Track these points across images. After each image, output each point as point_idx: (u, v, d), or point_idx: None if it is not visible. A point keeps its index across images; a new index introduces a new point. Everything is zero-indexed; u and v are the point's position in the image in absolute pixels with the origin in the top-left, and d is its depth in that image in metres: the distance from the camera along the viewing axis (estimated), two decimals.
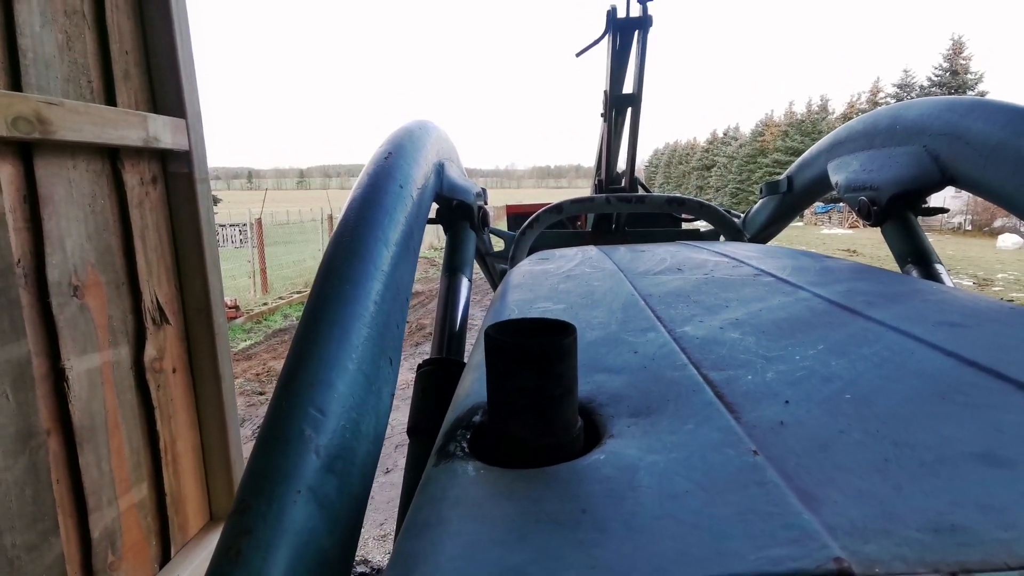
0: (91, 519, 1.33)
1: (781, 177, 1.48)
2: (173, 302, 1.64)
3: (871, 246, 16.81)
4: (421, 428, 0.62)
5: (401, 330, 0.52)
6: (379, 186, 0.59)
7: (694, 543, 0.22)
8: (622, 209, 1.52)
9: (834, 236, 22.01)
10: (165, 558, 1.60)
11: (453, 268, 0.90)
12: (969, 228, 23.27)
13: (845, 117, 42.98)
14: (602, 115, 1.68)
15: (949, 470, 0.26)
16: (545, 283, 0.72)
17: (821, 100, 45.16)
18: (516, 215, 2.56)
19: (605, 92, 1.61)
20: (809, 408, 0.33)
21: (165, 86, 1.57)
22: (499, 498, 0.27)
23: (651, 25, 1.46)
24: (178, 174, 1.62)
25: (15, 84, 1.18)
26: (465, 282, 0.89)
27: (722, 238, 1.62)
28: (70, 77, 1.30)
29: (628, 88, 1.58)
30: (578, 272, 0.78)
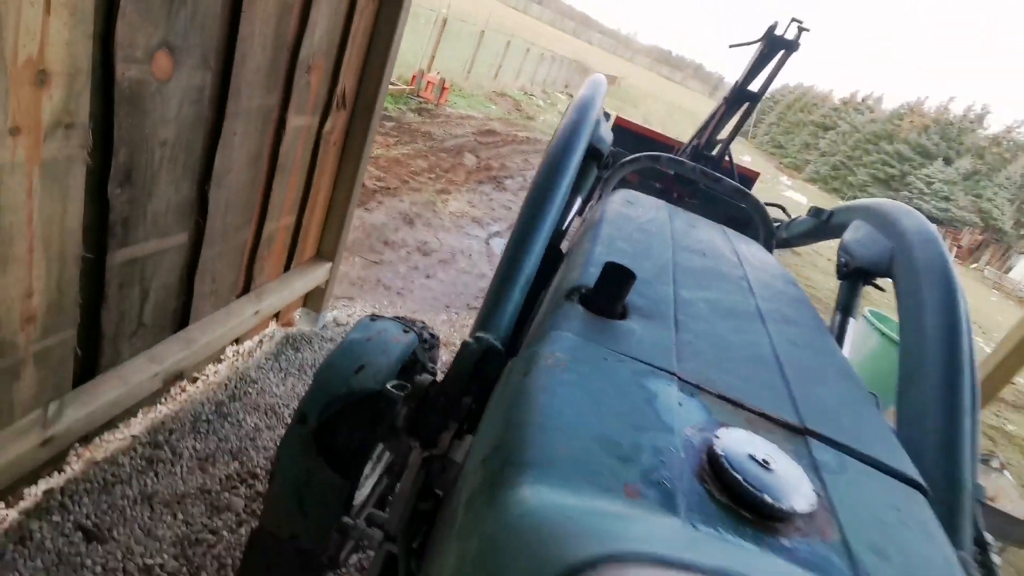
0: (266, 224, 1.94)
1: (828, 209, 1.86)
2: (352, 93, 2.12)
3: None
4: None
5: (553, 228, 1.02)
6: (568, 149, 1.05)
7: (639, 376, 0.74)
8: (703, 182, 1.93)
9: None
10: (286, 268, 2.25)
11: (574, 189, 1.37)
12: None
13: (995, 140, 38.61)
14: (724, 98, 1.99)
15: (735, 364, 0.77)
16: (624, 228, 1.20)
17: (981, 110, 40.35)
18: (621, 128, 2.88)
19: (736, 82, 1.92)
20: (700, 337, 0.84)
21: None
22: (588, 332, 0.78)
23: (797, 50, 1.74)
24: None
25: None
26: (579, 200, 1.36)
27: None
28: None
29: (755, 87, 1.88)
30: (647, 228, 1.25)
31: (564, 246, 1.32)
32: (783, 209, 2.31)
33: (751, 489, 0.53)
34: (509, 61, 14.16)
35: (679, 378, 0.71)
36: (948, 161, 35.55)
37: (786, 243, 2.04)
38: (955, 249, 26.60)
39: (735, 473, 0.54)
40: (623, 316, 0.83)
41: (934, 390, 0.89)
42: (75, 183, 1.17)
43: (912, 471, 0.71)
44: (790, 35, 1.74)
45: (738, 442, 0.59)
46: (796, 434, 0.69)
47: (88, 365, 1.46)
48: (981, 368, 2.29)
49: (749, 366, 0.81)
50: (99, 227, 1.29)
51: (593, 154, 1.37)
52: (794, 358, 0.89)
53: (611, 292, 0.81)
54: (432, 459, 0.76)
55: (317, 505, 1.10)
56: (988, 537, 0.80)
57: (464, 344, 0.78)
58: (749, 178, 2.84)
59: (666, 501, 0.51)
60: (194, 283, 1.68)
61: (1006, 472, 3.74)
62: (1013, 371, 2.16)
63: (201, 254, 1.65)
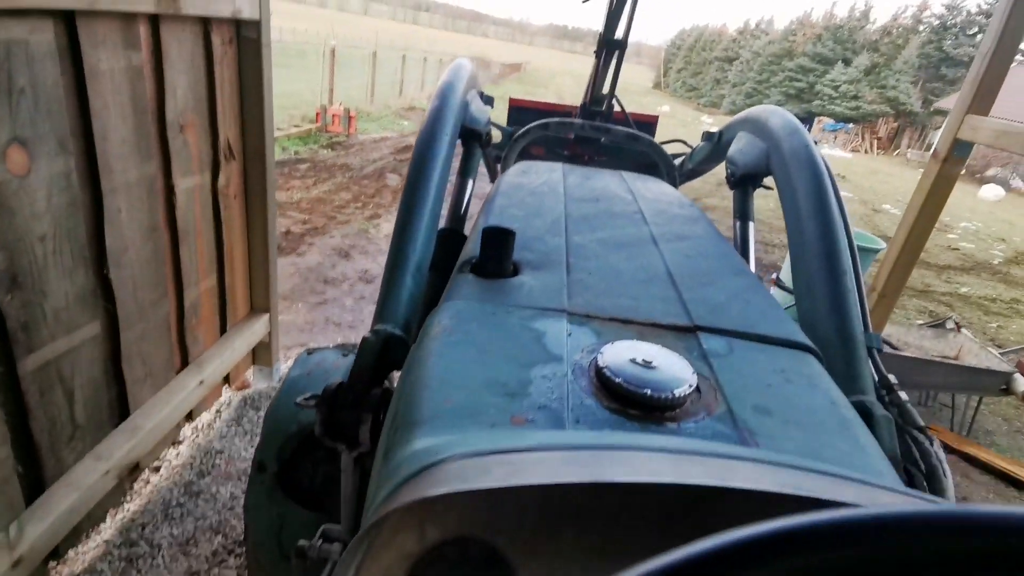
0: (185, 293, 1.90)
1: (717, 130, 1.93)
2: (238, 142, 2.09)
3: (861, 174, 17.04)
4: (438, 266, 1.15)
5: (438, 212, 1.03)
6: (436, 135, 1.06)
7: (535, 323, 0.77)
8: (593, 135, 1.97)
9: (832, 157, 22.07)
10: (223, 330, 2.21)
11: (463, 173, 1.39)
12: (963, 172, 23.48)
13: (885, 30, 40.40)
14: (595, 52, 2.05)
15: (627, 287, 0.80)
16: (517, 195, 1.23)
17: (865, 6, 42.18)
18: (517, 107, 2.92)
19: (600, 35, 1.98)
20: (592, 273, 0.87)
21: None
22: (477, 295, 0.80)
23: None
24: (248, 39, 1.98)
25: None
26: (470, 182, 1.38)
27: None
28: None
29: (619, 35, 1.94)
30: (540, 190, 1.28)
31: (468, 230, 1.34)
32: (684, 143, 2.38)
33: (632, 388, 0.55)
34: (409, 74, 14.10)
35: (568, 312, 0.74)
36: (847, 62, 37.00)
37: (693, 173, 2.10)
38: (876, 141, 27.69)
39: (616, 378, 0.56)
40: (515, 273, 0.86)
41: (816, 260, 0.94)
42: None
43: (800, 336, 0.75)
44: None
45: (620, 351, 0.61)
46: (686, 333, 0.73)
47: (34, 480, 1.41)
48: (898, 234, 2.41)
49: (640, 286, 0.85)
50: (0, 337, 1.25)
51: (471, 135, 1.40)
52: (686, 268, 0.93)
53: (495, 254, 0.83)
54: (362, 458, 0.77)
55: None
56: (892, 378, 0.86)
57: (363, 339, 0.79)
58: (649, 122, 2.91)
59: (554, 420, 0.53)
60: (122, 371, 1.64)
61: (964, 331, 3.95)
62: (927, 230, 2.29)
63: (121, 339, 1.61)
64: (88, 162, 1.42)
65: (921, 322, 4.73)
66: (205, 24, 1.79)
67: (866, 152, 27.60)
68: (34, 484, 1.42)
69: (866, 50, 38.26)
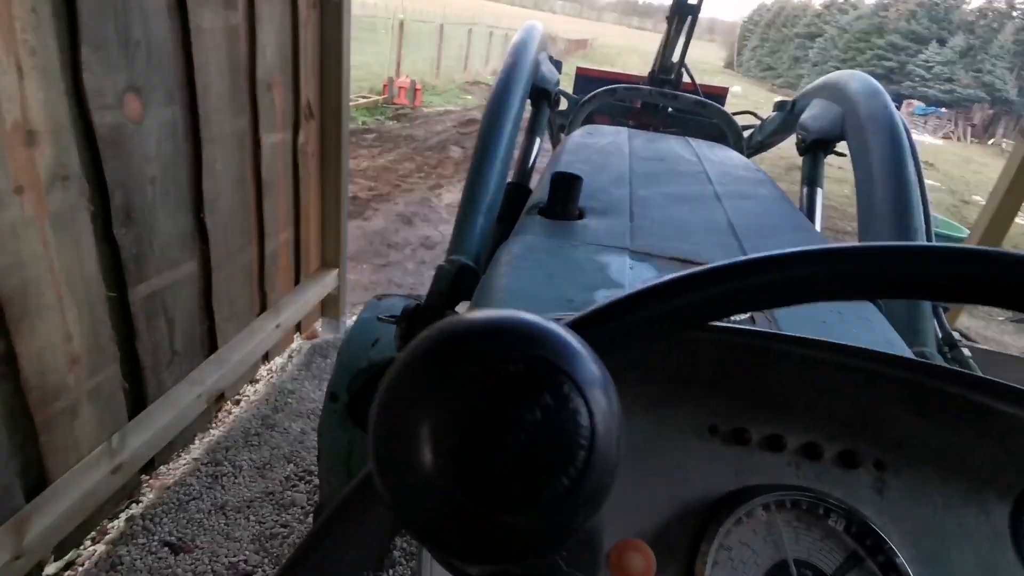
0: (266, 242, 2.05)
1: (790, 100, 1.89)
2: (317, 103, 2.21)
3: (953, 163, 15.91)
4: (504, 217, 1.21)
5: (508, 161, 1.09)
6: (509, 88, 1.12)
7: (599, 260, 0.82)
8: (661, 102, 1.98)
9: (920, 143, 20.59)
10: (296, 281, 2.37)
11: (531, 131, 1.44)
12: None
13: (981, 12, 37.06)
14: (667, 18, 2.04)
15: (689, 234, 0.84)
16: (583, 153, 1.27)
17: None
18: (583, 76, 2.93)
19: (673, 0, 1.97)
20: (654, 221, 0.91)
21: None
22: (545, 232, 0.86)
23: None
24: (330, 3, 2.09)
25: None
26: (537, 140, 1.44)
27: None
28: None
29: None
30: (606, 149, 1.32)
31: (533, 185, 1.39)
32: (755, 115, 2.33)
33: None
34: (475, 49, 14.13)
35: (630, 251, 0.79)
36: (942, 42, 34.27)
37: (762, 145, 2.07)
38: (969, 129, 25.65)
39: None
40: (580, 217, 0.91)
41: (886, 221, 0.94)
42: (83, 229, 1.29)
43: None
44: None
45: None
46: None
47: (137, 396, 1.59)
48: (981, 218, 2.29)
49: (701, 234, 0.88)
50: (114, 266, 1.41)
51: (541, 94, 1.44)
52: (749, 222, 0.96)
53: (563, 197, 0.89)
54: None
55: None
56: (956, 335, 0.86)
57: (439, 267, 0.87)
58: (718, 94, 2.87)
59: None
60: (213, 308, 1.80)
61: None
62: (1012, 214, 2.16)
63: (213, 279, 1.77)
64: (190, 115, 1.56)
65: (1002, 318, 4.46)
66: None
67: (959, 140, 25.63)
68: (137, 401, 1.60)
69: (961, 31, 35.30)
